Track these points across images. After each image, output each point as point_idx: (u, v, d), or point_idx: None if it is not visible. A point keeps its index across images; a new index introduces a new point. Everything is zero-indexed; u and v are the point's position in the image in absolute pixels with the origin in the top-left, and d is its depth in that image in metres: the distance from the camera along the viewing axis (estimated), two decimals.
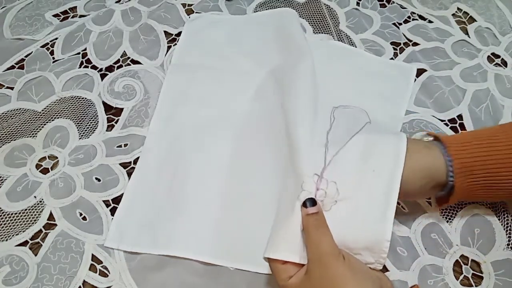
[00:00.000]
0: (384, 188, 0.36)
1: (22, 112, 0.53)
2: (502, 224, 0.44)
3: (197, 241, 0.44)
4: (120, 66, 0.57)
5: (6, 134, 0.51)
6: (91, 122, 0.52)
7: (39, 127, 0.52)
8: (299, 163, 0.39)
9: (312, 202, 0.36)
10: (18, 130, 0.51)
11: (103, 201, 0.46)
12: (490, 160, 0.37)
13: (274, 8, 0.63)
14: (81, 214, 0.46)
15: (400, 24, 0.61)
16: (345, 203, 0.36)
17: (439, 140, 0.40)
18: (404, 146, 0.38)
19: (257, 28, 0.59)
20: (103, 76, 0.56)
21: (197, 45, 0.58)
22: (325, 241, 0.34)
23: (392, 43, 0.59)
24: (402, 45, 0.59)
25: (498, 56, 0.57)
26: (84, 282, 0.42)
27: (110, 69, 0.57)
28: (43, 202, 0.46)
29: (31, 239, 0.44)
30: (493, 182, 0.38)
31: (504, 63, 0.56)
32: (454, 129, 0.51)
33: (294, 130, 0.42)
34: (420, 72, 0.55)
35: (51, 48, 0.59)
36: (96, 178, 0.48)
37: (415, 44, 0.59)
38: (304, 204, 0.36)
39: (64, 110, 0.53)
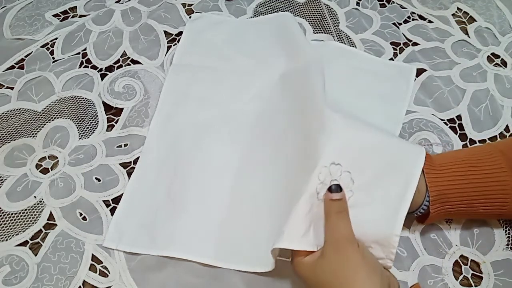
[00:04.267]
0: (401, 184, 0.37)
1: (22, 112, 0.53)
2: (501, 225, 0.44)
3: (196, 242, 0.44)
4: (120, 66, 0.57)
5: (6, 134, 0.51)
6: (91, 122, 0.52)
7: (39, 127, 0.52)
8: (315, 153, 0.39)
9: (338, 188, 0.36)
10: (18, 130, 0.51)
11: (103, 201, 0.47)
12: (467, 188, 0.38)
13: (274, 8, 0.63)
14: (81, 214, 0.46)
15: (400, 24, 0.61)
16: (360, 194, 0.37)
17: None
18: (424, 150, 0.39)
19: (258, 29, 0.59)
20: (103, 76, 0.56)
21: (198, 46, 0.58)
22: (343, 226, 0.35)
23: (392, 43, 0.59)
24: (402, 45, 0.59)
25: (498, 56, 0.57)
26: (84, 282, 0.42)
27: (110, 69, 0.57)
28: (43, 202, 0.46)
29: (31, 239, 0.44)
30: (470, 208, 0.39)
31: (504, 63, 0.56)
32: (453, 129, 0.51)
33: (309, 124, 0.42)
34: (420, 72, 0.55)
35: (51, 48, 0.59)
36: (96, 178, 0.48)
37: (415, 44, 0.59)
38: (329, 189, 0.36)
39: (64, 110, 0.53)
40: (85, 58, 0.58)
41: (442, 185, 0.38)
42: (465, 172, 0.38)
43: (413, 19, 0.61)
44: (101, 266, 0.43)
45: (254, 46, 0.57)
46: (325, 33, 0.60)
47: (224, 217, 0.45)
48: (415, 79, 0.54)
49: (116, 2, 0.64)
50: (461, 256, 0.43)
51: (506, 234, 0.44)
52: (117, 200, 0.47)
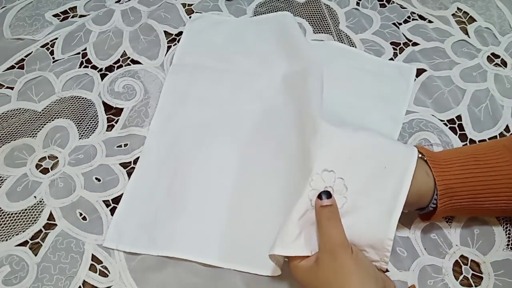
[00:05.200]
0: (393, 187, 0.37)
1: (22, 112, 0.53)
2: (501, 225, 0.44)
3: (196, 242, 0.44)
4: (120, 66, 0.57)
5: (6, 134, 0.51)
6: (91, 122, 0.52)
7: (39, 127, 0.52)
8: (308, 160, 0.39)
9: (327, 194, 0.36)
10: (18, 130, 0.51)
11: (103, 201, 0.47)
12: (473, 182, 0.38)
13: (274, 8, 0.63)
14: (81, 214, 0.46)
15: (400, 24, 0.61)
16: (355, 199, 0.37)
17: (425, 157, 0.40)
18: (416, 151, 0.38)
19: (258, 29, 0.59)
20: (103, 76, 0.56)
21: (198, 46, 0.58)
22: (336, 232, 0.35)
23: (392, 43, 0.59)
24: (402, 45, 0.59)
25: (498, 56, 0.57)
26: (84, 282, 0.42)
27: (110, 69, 0.57)
28: (43, 202, 0.46)
29: (31, 239, 0.44)
30: (476, 203, 0.39)
31: (504, 63, 0.56)
32: (453, 129, 0.51)
33: (304, 129, 0.42)
34: (420, 72, 0.55)
35: (51, 48, 0.59)
36: (96, 178, 0.48)
37: (415, 44, 0.59)
38: (319, 196, 0.36)
39: (64, 110, 0.53)
40: (85, 58, 0.58)
41: (449, 179, 0.38)
42: (470, 166, 0.38)
43: (413, 19, 0.61)
44: (101, 266, 0.43)
45: (254, 46, 0.57)
46: (325, 33, 0.60)
47: (224, 217, 0.45)
48: (415, 79, 0.54)
49: (116, 2, 0.64)
50: (461, 256, 0.43)
51: (506, 234, 0.44)
52: (117, 200, 0.47)
